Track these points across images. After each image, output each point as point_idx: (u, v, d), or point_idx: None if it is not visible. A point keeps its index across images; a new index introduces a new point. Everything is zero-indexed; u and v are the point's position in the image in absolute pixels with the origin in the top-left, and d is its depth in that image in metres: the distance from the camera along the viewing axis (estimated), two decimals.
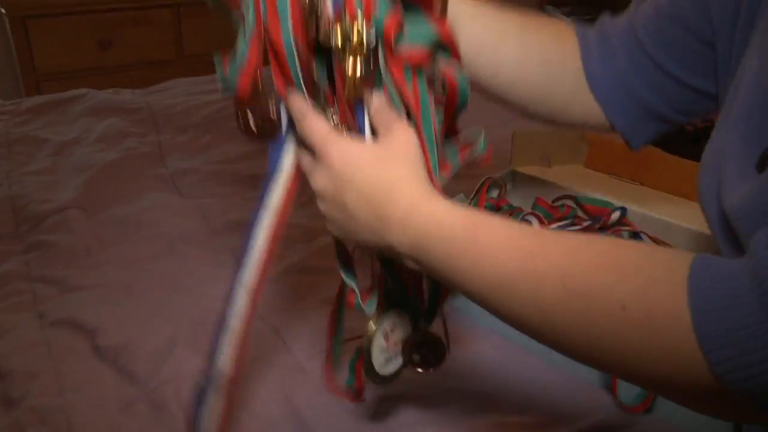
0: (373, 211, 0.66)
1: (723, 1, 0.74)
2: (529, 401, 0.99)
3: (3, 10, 2.68)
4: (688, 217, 1.12)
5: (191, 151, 1.70)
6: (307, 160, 0.71)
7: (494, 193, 1.21)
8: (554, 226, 1.11)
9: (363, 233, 0.68)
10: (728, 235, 0.61)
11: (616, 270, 0.54)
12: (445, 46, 0.69)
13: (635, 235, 1.10)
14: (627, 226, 1.12)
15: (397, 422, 0.95)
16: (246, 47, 0.68)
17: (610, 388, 0.97)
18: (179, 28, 2.96)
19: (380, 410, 0.96)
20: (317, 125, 0.68)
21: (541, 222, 1.12)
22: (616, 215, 1.13)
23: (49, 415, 0.96)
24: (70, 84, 2.14)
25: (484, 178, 1.21)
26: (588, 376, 0.99)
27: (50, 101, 1.94)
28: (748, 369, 0.46)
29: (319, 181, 0.69)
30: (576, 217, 1.16)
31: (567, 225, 1.12)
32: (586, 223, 1.13)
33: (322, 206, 0.71)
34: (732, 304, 0.47)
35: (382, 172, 0.66)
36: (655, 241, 1.09)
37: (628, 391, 0.94)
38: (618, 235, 1.10)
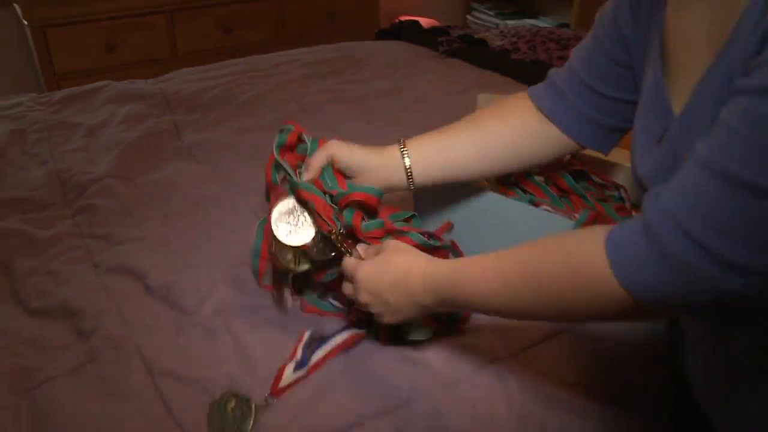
0: (403, 294, 0.78)
1: (633, 31, 0.80)
2: None
3: (26, 22, 2.57)
4: (624, 158, 1.11)
5: (201, 127, 1.65)
6: (348, 289, 0.83)
7: None
8: None
9: (407, 310, 0.79)
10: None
11: (547, 255, 0.67)
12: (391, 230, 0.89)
13: (580, 172, 1.10)
14: (574, 166, 1.12)
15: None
16: (257, 265, 0.96)
17: None
18: (173, 30, 2.85)
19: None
20: (348, 263, 0.83)
21: None
22: (567, 157, 1.12)
23: (119, 342, 0.94)
24: (84, 81, 2.03)
25: None
26: None
27: (77, 93, 1.86)
28: (651, 288, 0.57)
29: (361, 297, 0.81)
30: None
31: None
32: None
33: (374, 310, 0.81)
34: (635, 252, 0.57)
35: (392, 268, 0.79)
36: (599, 176, 1.09)
37: None
38: (568, 171, 1.10)
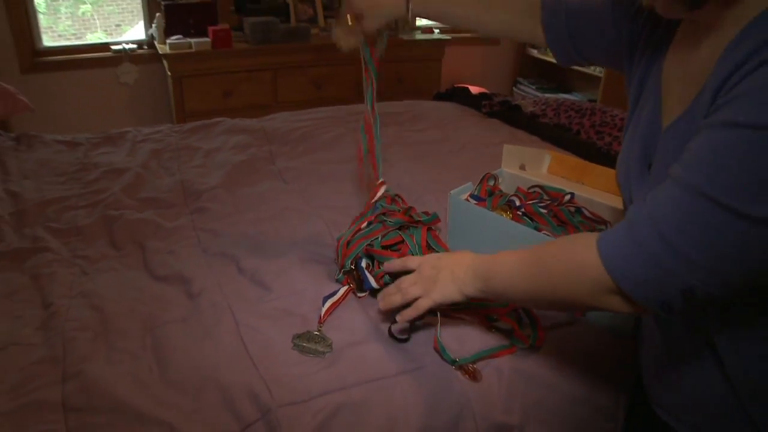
0: (451, 277, 0.84)
1: (632, 27, 0.77)
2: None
3: (169, 73, 2.85)
4: (612, 201, 1.19)
5: (292, 156, 1.80)
6: (407, 282, 0.90)
7: (491, 183, 1.29)
8: (530, 202, 1.20)
9: (452, 292, 0.85)
10: None
11: (554, 253, 0.69)
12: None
13: (578, 209, 1.19)
14: (573, 204, 1.21)
15: None
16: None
17: None
18: (275, 83, 3.07)
19: None
20: (397, 260, 0.95)
21: (520, 200, 1.22)
22: (567, 197, 1.20)
23: (216, 303, 1.07)
24: (205, 119, 2.20)
25: (484, 174, 1.30)
26: None
27: (201, 125, 2.05)
28: (631, 279, 0.59)
29: (423, 270, 0.89)
30: (542, 198, 1.24)
31: (537, 202, 1.20)
32: (548, 202, 1.21)
33: (421, 287, 0.88)
34: (619, 244, 0.59)
35: (445, 258, 0.87)
36: (592, 213, 1.17)
37: None
38: (568, 209, 1.18)
